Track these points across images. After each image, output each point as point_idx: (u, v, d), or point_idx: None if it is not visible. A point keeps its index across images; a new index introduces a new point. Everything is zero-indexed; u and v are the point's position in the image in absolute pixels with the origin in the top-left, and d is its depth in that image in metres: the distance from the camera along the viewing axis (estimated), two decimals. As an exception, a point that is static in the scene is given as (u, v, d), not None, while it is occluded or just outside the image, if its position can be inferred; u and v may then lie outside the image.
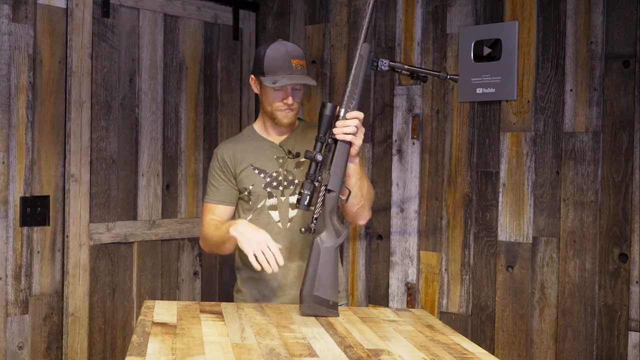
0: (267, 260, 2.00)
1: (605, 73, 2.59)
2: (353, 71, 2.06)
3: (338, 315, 2.01)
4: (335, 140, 2.03)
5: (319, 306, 1.99)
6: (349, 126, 2.01)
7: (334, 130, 2.02)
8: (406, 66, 2.14)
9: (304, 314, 2.00)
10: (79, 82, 2.95)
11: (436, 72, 2.17)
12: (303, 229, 2.02)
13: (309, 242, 2.23)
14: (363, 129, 2.07)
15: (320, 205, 2.02)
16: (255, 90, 2.31)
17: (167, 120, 3.29)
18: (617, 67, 2.56)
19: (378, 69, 2.10)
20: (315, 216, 2.02)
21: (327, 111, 2.03)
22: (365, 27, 2.05)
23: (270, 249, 2.00)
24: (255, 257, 2.01)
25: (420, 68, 2.18)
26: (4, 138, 2.77)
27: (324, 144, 2.03)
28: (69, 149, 2.93)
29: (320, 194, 2.02)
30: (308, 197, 2.01)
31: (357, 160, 2.09)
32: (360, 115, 2.05)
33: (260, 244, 2.01)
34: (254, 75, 2.29)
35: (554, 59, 2.71)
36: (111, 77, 3.08)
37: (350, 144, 2.03)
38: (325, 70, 3.38)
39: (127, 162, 3.15)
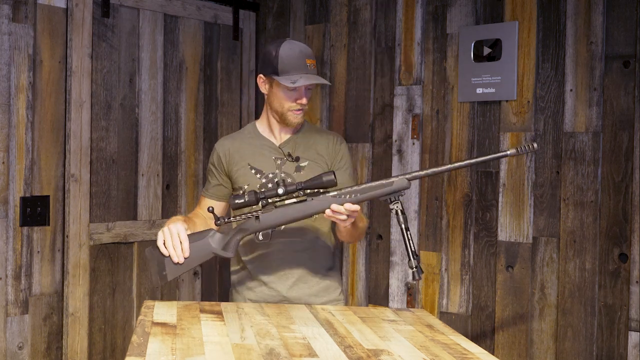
0: (174, 247, 2.00)
1: (605, 73, 2.59)
2: (376, 189, 1.95)
3: (159, 284, 2.01)
4: (306, 195, 2.00)
5: (158, 264, 2.02)
6: (342, 214, 1.97)
7: (327, 212, 1.97)
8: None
9: (147, 251, 2.04)
10: (79, 82, 2.95)
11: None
12: (218, 219, 2.01)
13: (305, 243, 2.24)
14: (354, 217, 2.01)
15: (241, 219, 2.02)
16: (264, 90, 2.25)
17: (167, 120, 3.29)
18: (617, 67, 2.56)
19: (392, 205, 1.97)
20: (230, 217, 2.03)
21: (326, 176, 2.00)
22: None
23: (179, 237, 2.01)
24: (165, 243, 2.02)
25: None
26: (4, 138, 2.77)
27: (299, 190, 1.99)
28: (69, 149, 2.93)
29: (249, 213, 2.02)
30: (253, 195, 1.98)
31: (348, 223, 2.04)
32: (357, 208, 1.99)
33: (171, 230, 2.01)
34: (264, 75, 2.23)
35: (554, 59, 2.71)
36: (111, 77, 3.08)
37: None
38: (325, 70, 3.38)
39: (127, 162, 3.15)
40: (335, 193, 1.96)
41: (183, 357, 1.53)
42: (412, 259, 1.85)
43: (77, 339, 2.98)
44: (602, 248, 2.59)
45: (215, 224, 2.02)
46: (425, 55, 3.06)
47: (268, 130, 2.31)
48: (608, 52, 2.58)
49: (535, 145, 1.83)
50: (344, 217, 1.96)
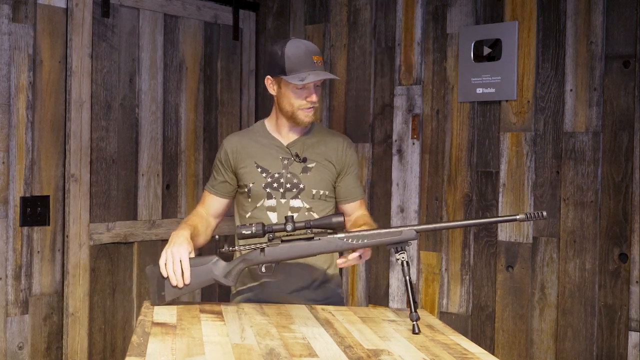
0: (174, 272, 1.99)
1: (605, 73, 2.59)
2: (383, 237, 1.95)
3: (156, 304, 2.00)
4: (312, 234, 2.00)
5: (157, 283, 2.01)
6: (352, 261, 1.99)
7: (338, 261, 2.00)
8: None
9: (147, 269, 2.03)
10: (79, 82, 2.95)
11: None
12: (222, 246, 2.02)
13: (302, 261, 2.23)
14: (366, 257, 2.04)
15: (246, 249, 2.02)
16: (272, 91, 2.23)
17: (167, 120, 3.29)
18: (617, 67, 2.56)
19: (398, 254, 1.97)
20: (235, 247, 2.03)
21: (335, 218, 2.00)
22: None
23: (181, 263, 2.00)
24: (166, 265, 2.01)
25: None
26: (4, 138, 2.77)
27: (308, 229, 1.98)
28: (69, 149, 2.93)
29: (255, 244, 2.01)
30: (261, 227, 1.97)
31: (359, 263, 2.08)
32: (368, 257, 2.02)
33: (174, 255, 2.01)
34: (272, 76, 2.21)
35: (554, 59, 2.71)
36: (111, 77, 3.08)
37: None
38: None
39: (127, 162, 3.15)
40: (343, 235, 1.96)
41: (183, 357, 1.53)
42: (414, 311, 1.86)
43: (77, 339, 2.98)
44: (602, 248, 2.59)
45: (220, 252, 2.03)
46: (425, 55, 3.06)
47: (276, 130, 2.29)
48: (608, 52, 2.58)
49: (544, 213, 1.86)
50: (353, 262, 1.99)
